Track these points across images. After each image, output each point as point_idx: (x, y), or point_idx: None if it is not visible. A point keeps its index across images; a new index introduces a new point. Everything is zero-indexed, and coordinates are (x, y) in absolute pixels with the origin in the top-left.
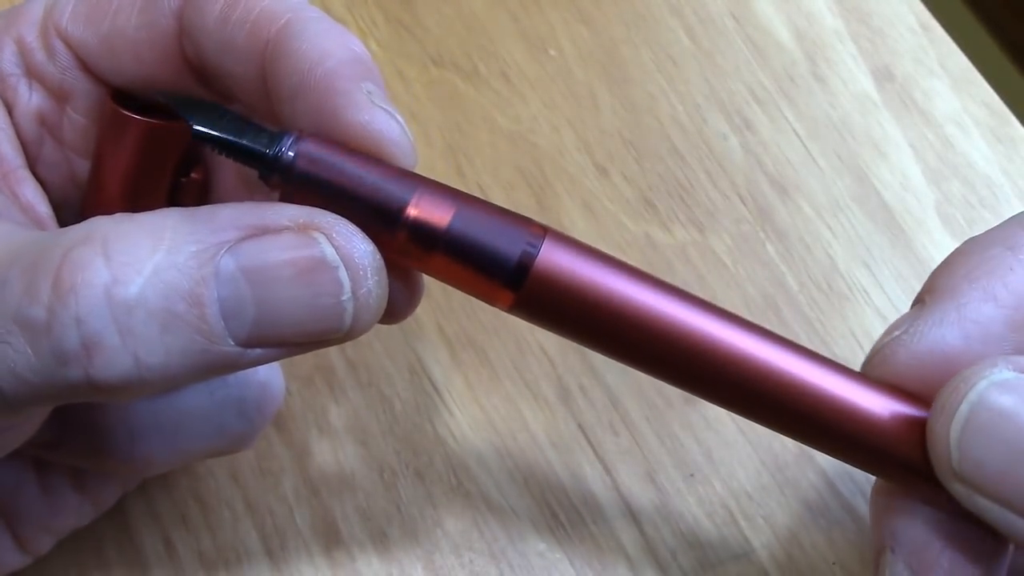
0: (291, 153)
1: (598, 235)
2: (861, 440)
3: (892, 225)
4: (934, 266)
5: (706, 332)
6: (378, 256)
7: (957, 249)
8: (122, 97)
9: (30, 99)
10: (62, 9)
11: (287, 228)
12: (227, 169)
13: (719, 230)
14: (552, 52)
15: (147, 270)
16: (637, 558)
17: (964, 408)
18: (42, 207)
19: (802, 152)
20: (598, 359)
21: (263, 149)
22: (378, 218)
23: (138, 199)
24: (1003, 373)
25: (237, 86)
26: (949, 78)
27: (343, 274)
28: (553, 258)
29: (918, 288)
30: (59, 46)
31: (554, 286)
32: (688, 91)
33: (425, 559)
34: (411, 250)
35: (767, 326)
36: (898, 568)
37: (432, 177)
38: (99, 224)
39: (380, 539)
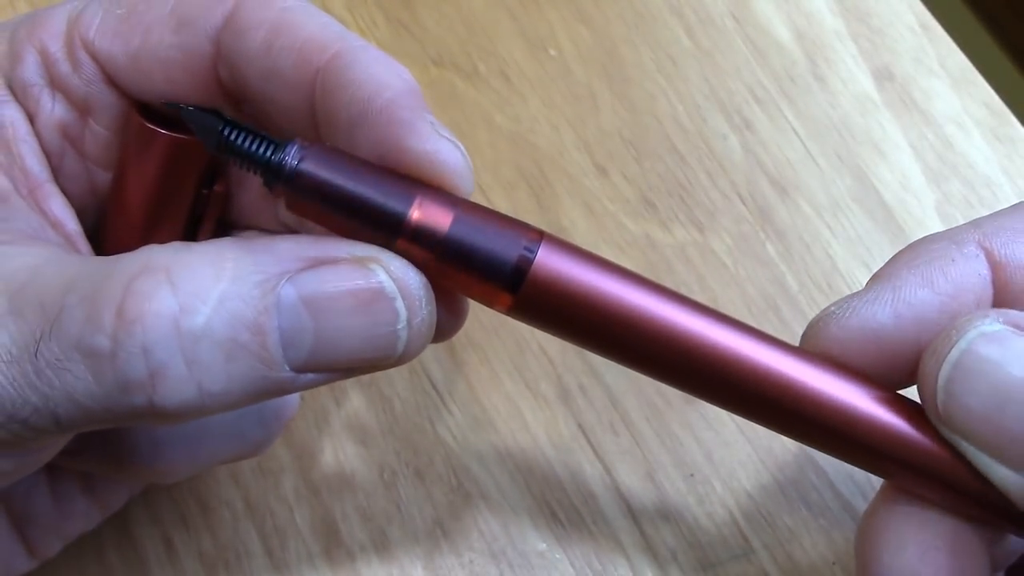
0: (295, 161)
1: (598, 235)
2: (854, 436)
3: (892, 225)
4: None
5: (699, 333)
6: (429, 286)
7: (908, 244)
8: (147, 110)
9: (53, 110)
10: (89, 21)
11: (345, 260)
12: (250, 182)
13: (719, 230)
14: (552, 52)
15: (213, 300)
16: (637, 558)
17: (954, 354)
18: (71, 224)
19: (802, 152)
20: (598, 359)
21: (268, 157)
22: (380, 224)
23: (161, 211)
24: (993, 324)
25: (279, 112)
26: (949, 78)
27: (400, 304)
28: (550, 261)
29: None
30: (84, 58)
31: (551, 289)
32: (688, 91)
33: (425, 559)
34: (411, 255)
35: (767, 326)
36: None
37: None
38: (157, 253)
39: (380, 539)
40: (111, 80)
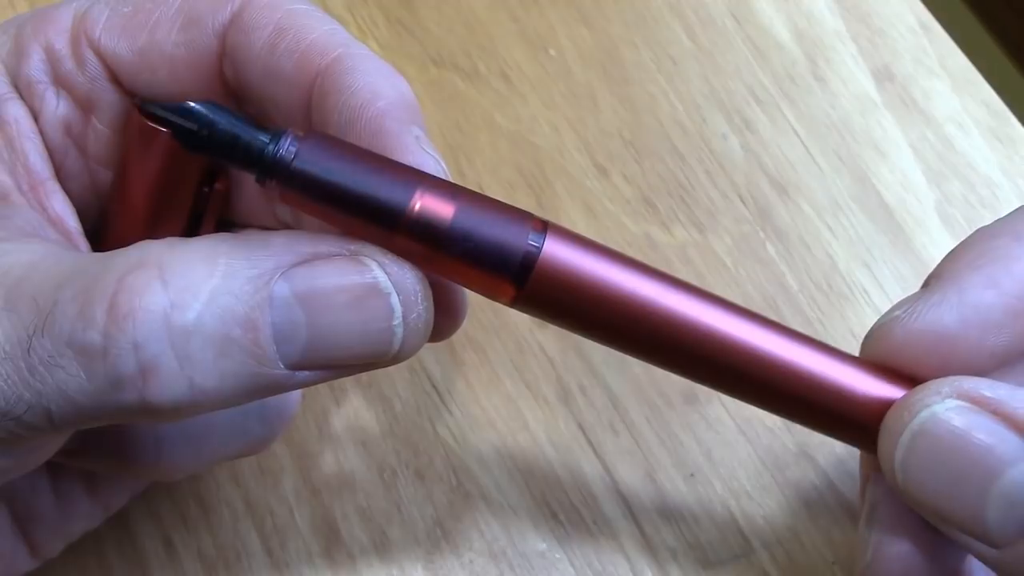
0: (290, 154)
1: (598, 235)
2: (851, 419)
3: (892, 225)
4: (934, 266)
5: (706, 320)
6: (426, 283)
7: (967, 238)
8: (147, 108)
9: (57, 108)
10: (95, 19)
11: (339, 255)
12: (251, 180)
13: (719, 230)
14: (552, 52)
15: (204, 295)
16: (637, 558)
17: (906, 435)
18: (71, 221)
19: (802, 152)
20: (598, 359)
21: (261, 151)
22: (380, 217)
23: (163, 209)
24: (946, 402)
25: (278, 112)
26: (949, 78)
27: (395, 300)
28: (555, 252)
29: (918, 288)
30: (89, 56)
31: (557, 279)
32: (688, 91)
33: (425, 559)
34: (413, 248)
35: None
36: (873, 530)
37: None
38: (151, 248)
39: (380, 539)
40: (115, 78)
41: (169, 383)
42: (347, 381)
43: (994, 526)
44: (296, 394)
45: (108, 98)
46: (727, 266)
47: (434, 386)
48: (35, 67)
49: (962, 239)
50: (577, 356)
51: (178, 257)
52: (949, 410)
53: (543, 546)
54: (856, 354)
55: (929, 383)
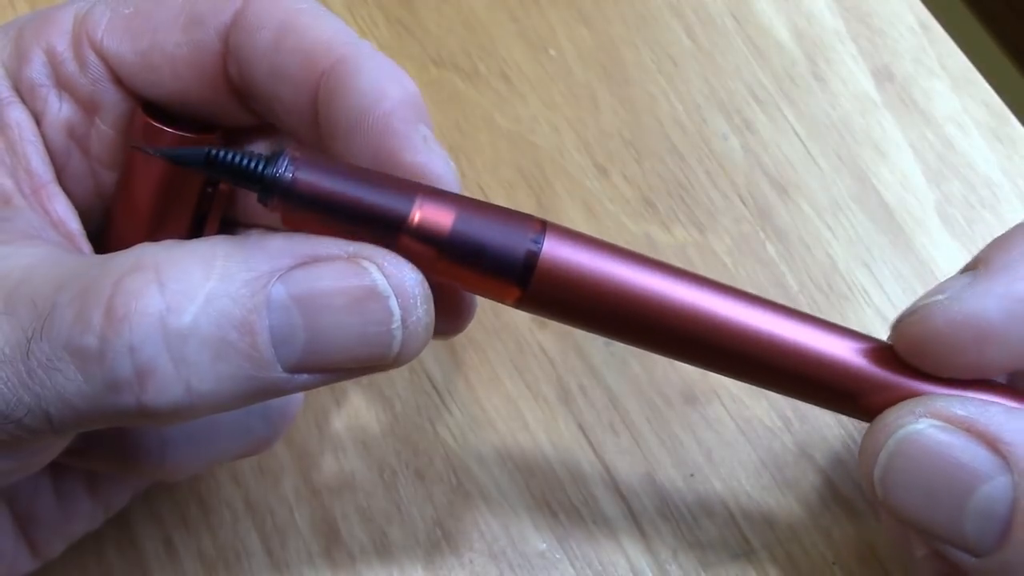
0: (289, 173)
1: (598, 235)
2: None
3: (892, 225)
4: (934, 266)
5: (709, 307)
6: (426, 285)
7: (1019, 224)
8: (152, 109)
9: (60, 110)
10: (96, 21)
11: (338, 257)
12: None
13: (719, 230)
14: (552, 52)
15: (200, 298)
16: (637, 558)
17: (883, 456)
18: (73, 223)
19: (802, 152)
20: (598, 359)
21: (261, 171)
22: (381, 228)
23: (167, 210)
24: (919, 423)
25: (285, 111)
26: (949, 78)
27: (394, 303)
28: (556, 251)
29: (918, 288)
30: (92, 57)
31: (560, 277)
32: (688, 91)
33: (425, 559)
34: (415, 255)
35: None
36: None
37: None
38: (148, 251)
39: (380, 539)
40: (118, 79)
41: (165, 387)
42: (347, 381)
43: (973, 539)
44: (298, 394)
45: (111, 99)
46: (727, 266)
47: (434, 386)
48: (37, 70)
49: (962, 238)
50: (577, 356)
51: (175, 259)
52: (924, 430)
53: (543, 546)
54: (886, 333)
55: (903, 403)
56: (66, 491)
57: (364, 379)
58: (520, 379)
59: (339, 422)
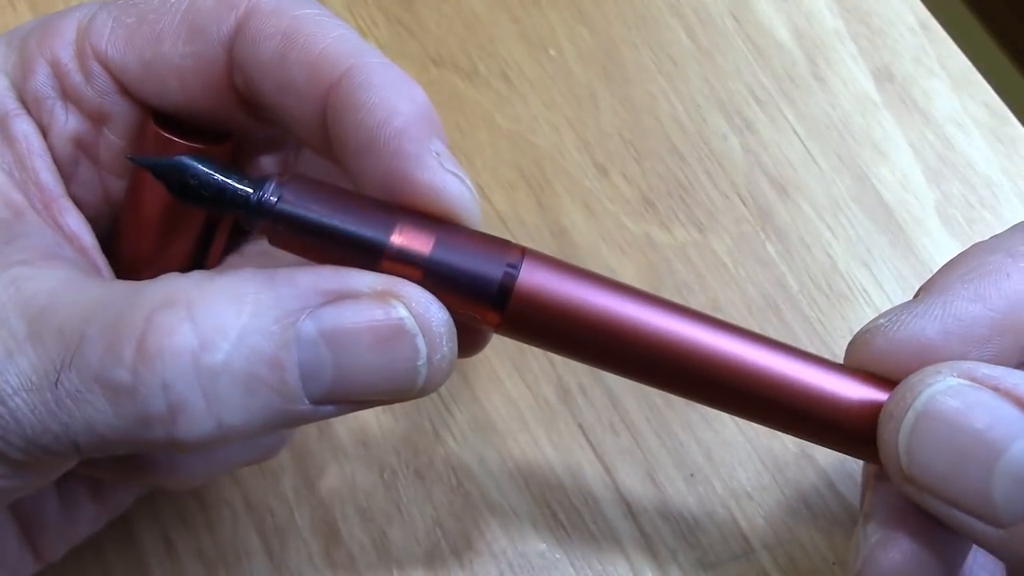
0: (274, 198)
1: (598, 235)
2: (841, 428)
3: (892, 225)
4: (934, 266)
5: (686, 337)
6: (451, 322)
7: (962, 252)
8: (162, 119)
9: (66, 122)
10: (99, 31)
11: (366, 295)
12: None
13: (719, 230)
14: (552, 52)
15: (233, 335)
16: (637, 558)
17: (910, 416)
18: (86, 237)
19: (802, 152)
20: None
21: (246, 197)
22: (361, 253)
23: (176, 219)
24: (947, 381)
25: (295, 123)
26: (949, 78)
27: (420, 341)
28: (533, 278)
29: (918, 288)
30: (97, 69)
31: (537, 304)
32: (688, 91)
33: (425, 559)
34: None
35: (767, 326)
36: (869, 528)
37: None
38: (178, 285)
39: (380, 539)
40: (125, 90)
41: (197, 422)
42: None
43: (1000, 503)
44: None
45: (120, 110)
46: (727, 266)
47: None
48: (42, 82)
49: (962, 238)
50: None
51: (205, 295)
52: (950, 389)
53: (543, 546)
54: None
55: (927, 367)
56: (69, 496)
57: None
58: (520, 379)
59: (339, 422)
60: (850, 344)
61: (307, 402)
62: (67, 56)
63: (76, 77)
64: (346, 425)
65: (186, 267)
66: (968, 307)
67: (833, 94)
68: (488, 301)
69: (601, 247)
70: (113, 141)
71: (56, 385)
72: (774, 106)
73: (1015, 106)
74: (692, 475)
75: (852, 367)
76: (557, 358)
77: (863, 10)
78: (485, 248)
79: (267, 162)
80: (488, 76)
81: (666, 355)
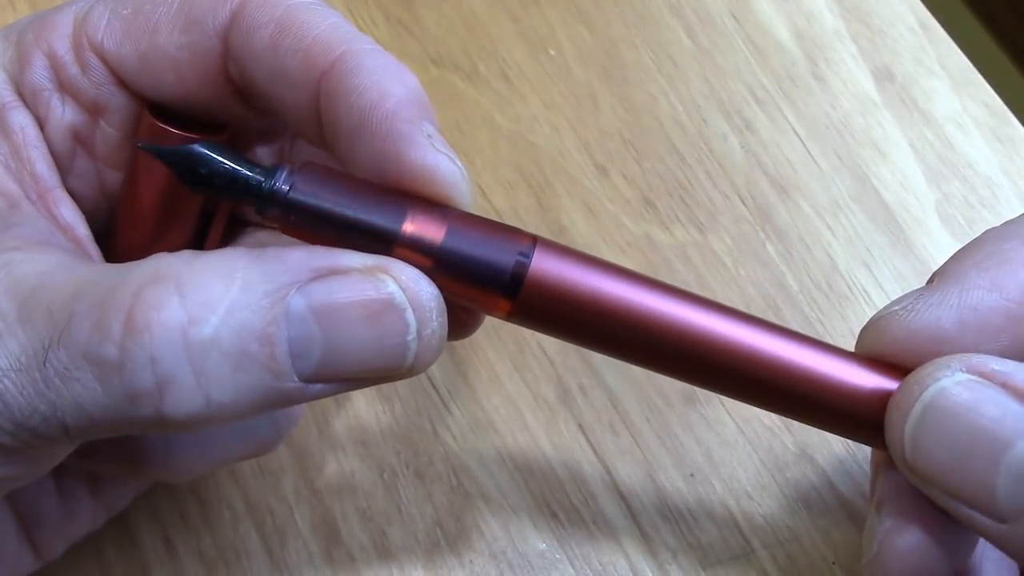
0: (286, 186)
1: (598, 235)
2: (849, 413)
3: (892, 225)
4: (934, 266)
5: (698, 324)
6: (441, 298)
7: (975, 239)
8: (159, 110)
9: (63, 114)
10: (96, 23)
11: (355, 270)
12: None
13: (719, 230)
14: (552, 52)
15: (222, 310)
16: (637, 558)
17: (917, 408)
18: (80, 228)
19: (802, 152)
20: (598, 359)
21: (259, 184)
22: (373, 241)
23: (172, 210)
24: (955, 375)
25: (288, 111)
26: (949, 78)
27: (410, 315)
28: (545, 266)
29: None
30: (93, 61)
31: (548, 292)
32: (688, 91)
33: (425, 559)
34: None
35: None
36: (883, 513)
37: None
38: (167, 262)
39: (380, 539)
40: (121, 81)
41: (186, 397)
42: None
43: (1003, 499)
44: None
45: (116, 101)
46: (727, 266)
47: (434, 386)
48: (39, 74)
49: (962, 239)
50: (577, 356)
51: (194, 271)
52: (959, 383)
53: (543, 546)
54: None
55: (937, 359)
56: (68, 492)
57: None
58: (520, 379)
59: (339, 422)
60: (863, 330)
61: (296, 379)
62: (63, 48)
63: (72, 69)
64: (346, 425)
65: None
66: (984, 296)
67: (833, 94)
68: (500, 289)
69: (601, 247)
70: (110, 133)
71: (44, 364)
72: (774, 106)
73: (1015, 106)
74: (692, 475)
75: (864, 355)
76: (557, 358)
77: (863, 10)
78: (497, 236)
79: (263, 152)
80: (488, 76)
81: (675, 340)
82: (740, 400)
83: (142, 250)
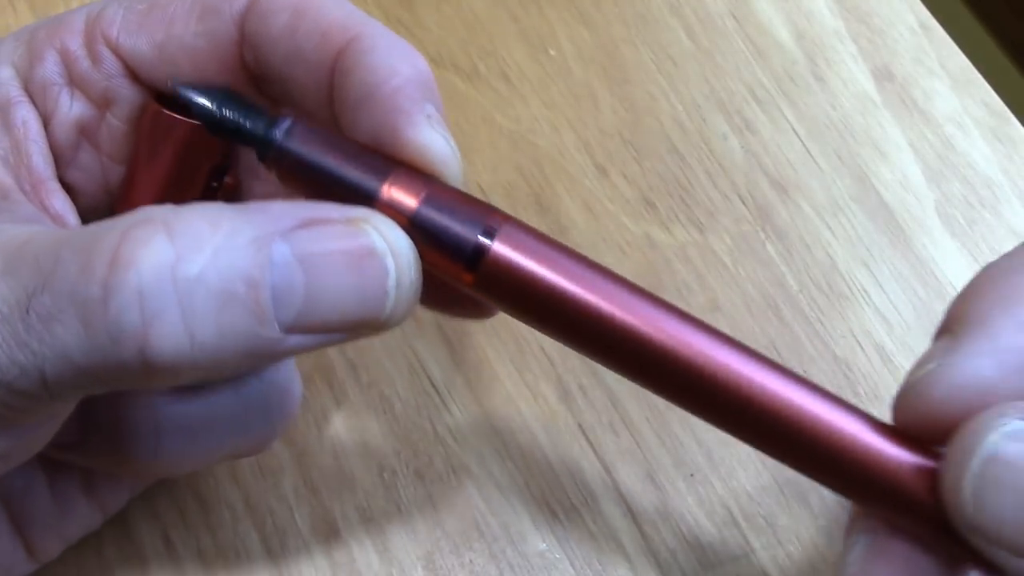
0: (283, 136)
1: (598, 235)
2: (837, 465)
3: (892, 225)
4: (934, 266)
5: (654, 329)
6: (415, 249)
7: (982, 275)
8: (163, 99)
9: (71, 108)
10: (110, 19)
11: (337, 220)
12: (259, 176)
13: (719, 230)
14: (552, 52)
15: (209, 250)
16: (637, 558)
17: (975, 464)
18: (71, 218)
19: (802, 152)
20: None
21: (261, 132)
22: (353, 198)
23: (172, 201)
24: (1012, 423)
25: (300, 92)
26: (949, 78)
27: (390, 262)
28: (510, 243)
29: (918, 288)
30: (106, 53)
31: (508, 270)
32: (688, 91)
33: (425, 559)
34: None
35: (767, 326)
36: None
37: None
38: (154, 209)
39: (380, 539)
40: (134, 75)
41: (170, 336)
42: (347, 381)
43: None
44: (297, 393)
45: (125, 94)
46: (727, 266)
47: (434, 386)
48: (50, 70)
49: (962, 238)
50: (577, 356)
51: (182, 216)
52: (1018, 432)
53: (543, 546)
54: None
55: (990, 409)
56: (61, 491)
57: (364, 379)
58: (520, 379)
59: (339, 422)
60: (900, 397)
61: (277, 328)
62: (76, 44)
63: (84, 63)
64: (346, 425)
65: None
66: (1016, 337)
67: (833, 94)
68: (463, 261)
69: (601, 247)
70: (116, 126)
71: (28, 311)
72: (774, 106)
73: (1015, 106)
74: (692, 475)
75: (897, 425)
76: (557, 358)
77: (863, 10)
78: (469, 209)
79: None
80: (488, 76)
81: (629, 343)
82: (702, 418)
83: None
